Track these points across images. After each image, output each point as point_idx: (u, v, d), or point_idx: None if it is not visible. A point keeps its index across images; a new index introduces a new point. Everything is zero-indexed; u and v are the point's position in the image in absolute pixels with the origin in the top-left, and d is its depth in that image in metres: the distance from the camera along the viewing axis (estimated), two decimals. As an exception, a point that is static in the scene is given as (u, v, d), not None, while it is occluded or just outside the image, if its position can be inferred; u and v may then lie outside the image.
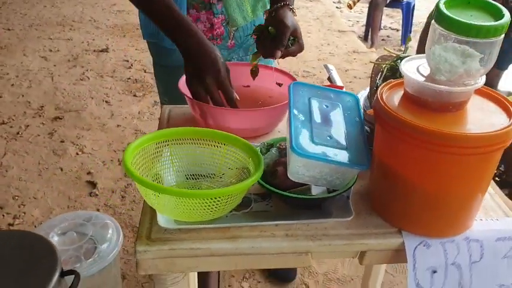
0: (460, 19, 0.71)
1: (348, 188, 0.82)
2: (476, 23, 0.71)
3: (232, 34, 1.30)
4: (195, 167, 0.90)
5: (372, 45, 4.58)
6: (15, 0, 5.10)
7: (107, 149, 2.57)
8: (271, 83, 1.17)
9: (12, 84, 3.27)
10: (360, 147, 0.81)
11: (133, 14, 4.76)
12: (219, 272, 1.69)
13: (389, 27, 5.16)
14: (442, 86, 0.75)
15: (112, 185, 2.29)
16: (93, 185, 2.28)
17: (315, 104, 0.85)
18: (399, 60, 0.92)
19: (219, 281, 1.69)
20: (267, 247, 0.80)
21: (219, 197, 0.75)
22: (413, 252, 0.81)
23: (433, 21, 0.76)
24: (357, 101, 0.90)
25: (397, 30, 5.01)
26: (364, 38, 4.79)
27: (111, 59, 3.70)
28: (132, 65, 3.61)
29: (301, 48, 1.12)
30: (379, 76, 0.99)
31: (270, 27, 1.07)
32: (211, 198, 0.74)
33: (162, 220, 0.79)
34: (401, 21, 4.69)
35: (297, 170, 0.81)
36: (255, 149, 0.85)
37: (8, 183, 2.29)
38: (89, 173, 2.37)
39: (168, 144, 0.87)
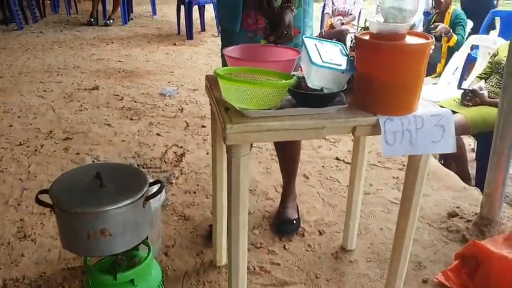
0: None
1: (343, 89, 1.40)
2: (405, -12, 1.34)
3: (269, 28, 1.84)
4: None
5: None
6: (-2, 54, 5.56)
7: (118, 157, 3.03)
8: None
9: (19, 116, 3.69)
10: (349, 64, 1.40)
11: (113, 61, 5.33)
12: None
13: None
14: (391, 24, 1.36)
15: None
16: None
17: (318, 45, 1.44)
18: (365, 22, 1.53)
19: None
20: (300, 124, 1.35)
21: (276, 88, 1.30)
22: (383, 124, 1.38)
23: (382, -9, 1.38)
24: (342, 46, 1.50)
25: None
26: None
27: (102, 94, 4.20)
28: (122, 97, 4.12)
29: (289, 39, 1.70)
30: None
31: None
32: (272, 88, 1.29)
33: (238, 108, 1.33)
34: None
35: (313, 80, 1.38)
36: (285, 73, 1.42)
37: (39, 185, 2.69)
38: (108, 172, 2.82)
39: (232, 74, 1.43)
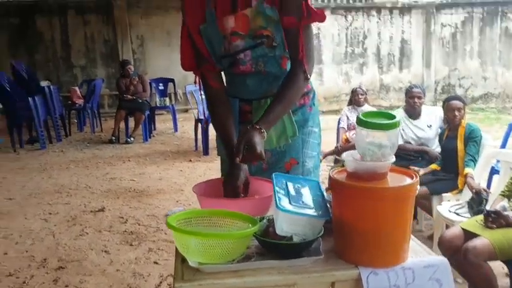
0: (373, 121, 1.20)
1: (318, 236, 1.20)
2: (382, 122, 1.19)
3: (266, 159, 1.68)
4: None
5: None
6: (15, 174, 5.63)
7: (108, 290, 2.81)
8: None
9: (17, 243, 3.57)
10: (323, 207, 1.22)
11: (125, 180, 5.30)
12: None
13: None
14: (369, 162, 1.20)
15: (116, 317, 2.49)
16: (98, 318, 2.48)
17: (289, 185, 1.28)
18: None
19: None
20: (266, 280, 1.14)
21: (233, 240, 1.12)
22: (366, 279, 1.16)
23: (357, 126, 1.24)
24: (318, 182, 1.33)
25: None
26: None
27: (107, 217, 4.09)
28: (127, 220, 3.99)
29: (253, 157, 1.44)
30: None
31: None
32: (229, 240, 1.11)
33: (192, 264, 1.14)
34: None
35: (282, 226, 1.19)
36: (251, 216, 1.25)
37: (17, 324, 2.46)
38: (93, 309, 2.58)
39: (193, 218, 1.26)
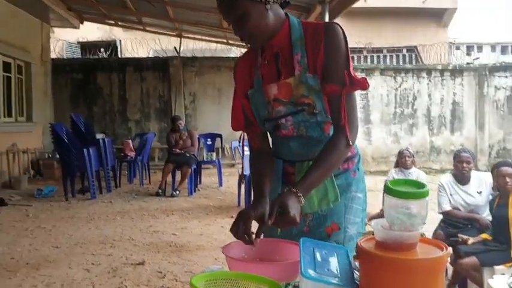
0: (400, 189, 1.18)
1: (343, 307, 1.16)
2: (409, 191, 1.17)
3: (307, 222, 1.72)
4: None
5: None
6: (64, 223, 5.82)
7: None
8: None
9: (58, 292, 3.65)
10: (348, 276, 1.19)
11: (167, 234, 5.36)
12: None
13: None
14: (397, 232, 1.17)
15: None
16: None
17: (316, 251, 1.26)
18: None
19: None
20: None
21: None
22: None
23: (385, 194, 1.22)
24: (347, 251, 1.30)
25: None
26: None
27: (146, 271, 4.11)
28: (165, 275, 4.00)
29: (286, 221, 1.45)
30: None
31: None
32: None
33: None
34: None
35: (306, 294, 1.17)
36: (276, 282, 1.23)
37: None
38: None
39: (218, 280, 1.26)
